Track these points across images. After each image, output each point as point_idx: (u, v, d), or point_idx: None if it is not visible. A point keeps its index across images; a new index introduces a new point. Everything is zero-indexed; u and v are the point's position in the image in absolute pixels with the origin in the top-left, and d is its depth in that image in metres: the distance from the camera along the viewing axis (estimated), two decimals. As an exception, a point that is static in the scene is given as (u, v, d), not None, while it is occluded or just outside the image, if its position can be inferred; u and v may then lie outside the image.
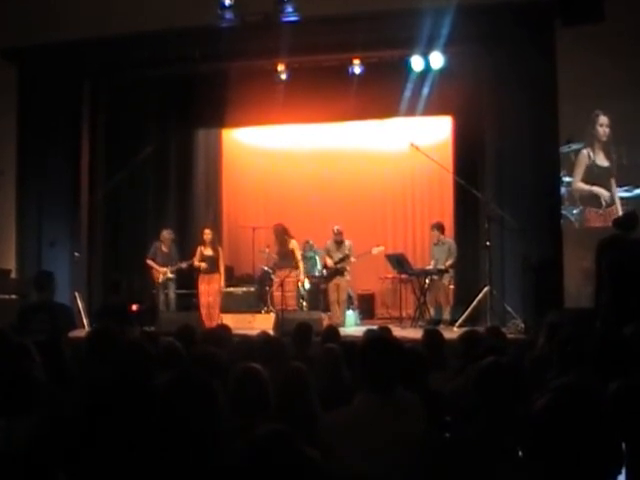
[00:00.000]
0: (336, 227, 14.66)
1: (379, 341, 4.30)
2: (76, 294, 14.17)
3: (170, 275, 14.28)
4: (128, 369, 4.72)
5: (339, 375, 5.84)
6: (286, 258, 14.41)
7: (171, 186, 17.00)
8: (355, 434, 4.06)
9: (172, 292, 14.47)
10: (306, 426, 4.43)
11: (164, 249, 14.43)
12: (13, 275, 14.39)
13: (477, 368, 4.03)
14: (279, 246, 14.52)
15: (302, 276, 14.55)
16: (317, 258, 15.52)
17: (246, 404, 4.32)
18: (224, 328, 8.35)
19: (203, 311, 13.86)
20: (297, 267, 14.37)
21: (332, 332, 8.28)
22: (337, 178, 18.01)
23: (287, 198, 18.15)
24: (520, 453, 3.60)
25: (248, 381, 4.36)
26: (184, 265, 14.25)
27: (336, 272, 14.47)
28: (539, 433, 2.79)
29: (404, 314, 14.53)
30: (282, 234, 14.47)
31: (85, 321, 13.70)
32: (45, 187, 14.71)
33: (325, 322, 12.65)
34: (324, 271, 14.88)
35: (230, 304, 14.80)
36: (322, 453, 4.00)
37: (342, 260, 14.44)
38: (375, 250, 14.62)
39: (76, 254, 14.63)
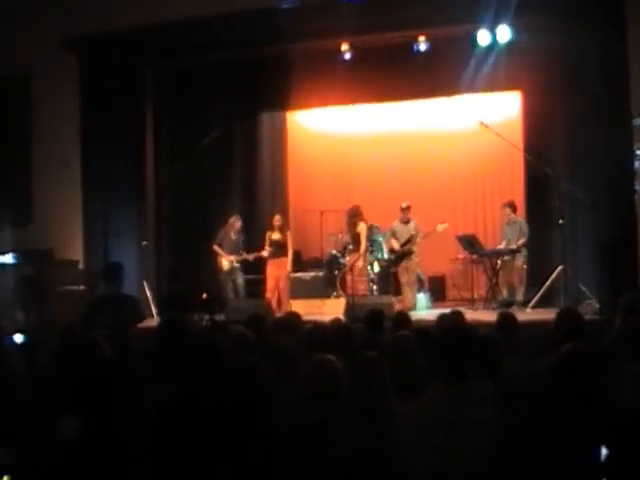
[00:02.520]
0: (404, 203, 14.49)
1: (454, 332, 4.24)
2: (144, 283, 14.37)
3: (236, 265, 14.26)
4: (197, 362, 4.73)
5: (412, 363, 5.79)
6: (354, 242, 14.37)
7: (236, 171, 17.02)
8: (431, 426, 4.03)
9: (240, 278, 14.44)
10: (381, 418, 4.44)
11: (232, 236, 14.34)
12: (80, 266, 14.64)
13: (555, 355, 3.97)
14: (348, 230, 14.48)
15: (361, 260, 14.45)
16: (382, 241, 15.39)
17: (320, 396, 4.30)
18: (294, 316, 8.39)
19: (272, 296, 13.88)
20: (358, 250, 14.28)
21: (403, 318, 8.23)
22: (404, 159, 17.85)
23: (354, 181, 18.07)
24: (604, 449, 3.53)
25: (322, 373, 4.36)
26: (251, 257, 14.23)
27: (404, 254, 14.35)
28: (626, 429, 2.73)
29: (476, 295, 14.39)
30: (353, 217, 14.38)
31: (154, 310, 13.86)
32: (110, 176, 14.85)
33: (396, 306, 12.57)
34: (391, 255, 14.75)
35: (299, 289, 14.83)
36: (397, 446, 4.01)
37: (408, 242, 14.30)
38: (440, 227, 14.39)
39: (143, 243, 14.80)
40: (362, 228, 14.37)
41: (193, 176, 15.96)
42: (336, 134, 18.44)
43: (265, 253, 14.06)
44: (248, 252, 14.33)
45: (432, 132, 17.86)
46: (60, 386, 4.77)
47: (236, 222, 14.43)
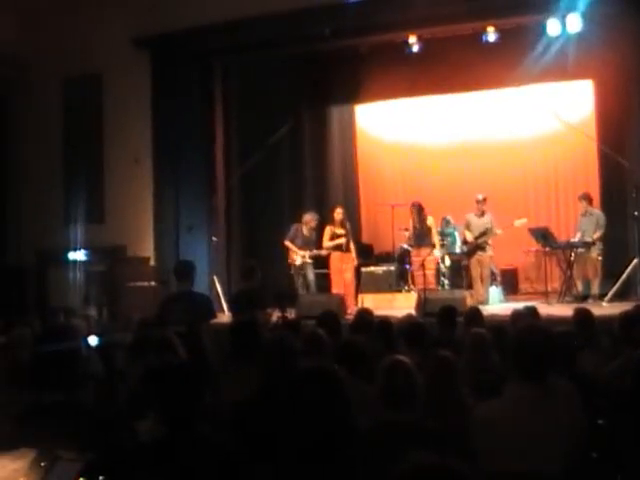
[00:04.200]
0: (479, 195, 14.29)
1: (530, 331, 4.19)
2: (214, 278, 14.51)
3: (308, 260, 14.19)
4: (271, 365, 4.74)
5: (488, 362, 5.74)
6: (424, 236, 14.26)
7: (305, 166, 17.03)
8: (509, 428, 3.97)
9: (311, 273, 14.37)
10: (456, 419, 4.41)
11: (305, 232, 14.23)
12: (152, 262, 14.85)
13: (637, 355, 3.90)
14: (417, 223, 14.38)
15: (438, 253, 14.36)
16: (456, 234, 15.27)
17: (394, 397, 4.27)
18: (366, 312, 8.35)
19: (340, 290, 13.82)
20: (434, 246, 14.20)
21: (475, 314, 8.16)
22: (476, 153, 17.69)
23: (425, 175, 17.97)
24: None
25: (396, 374, 4.31)
26: (324, 252, 14.16)
27: (477, 247, 14.17)
28: None
29: (549, 288, 14.14)
30: (421, 210, 14.33)
31: (225, 305, 13.98)
32: (181, 173, 15.04)
33: (468, 301, 12.46)
34: (464, 247, 14.64)
35: (370, 284, 14.79)
36: (474, 448, 3.97)
37: (483, 234, 14.10)
38: (517, 222, 14.20)
39: (214, 239, 14.92)
40: (432, 221, 14.28)
41: (262, 172, 16.05)
42: (406, 125, 18.34)
43: (332, 243, 14.01)
44: (320, 248, 14.28)
45: (504, 123, 17.68)
46: (136, 386, 4.86)
47: (312, 220, 14.29)
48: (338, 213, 14.15)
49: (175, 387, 3.93)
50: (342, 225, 14.08)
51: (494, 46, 14.30)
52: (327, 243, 14.05)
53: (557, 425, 3.97)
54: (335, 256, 14.07)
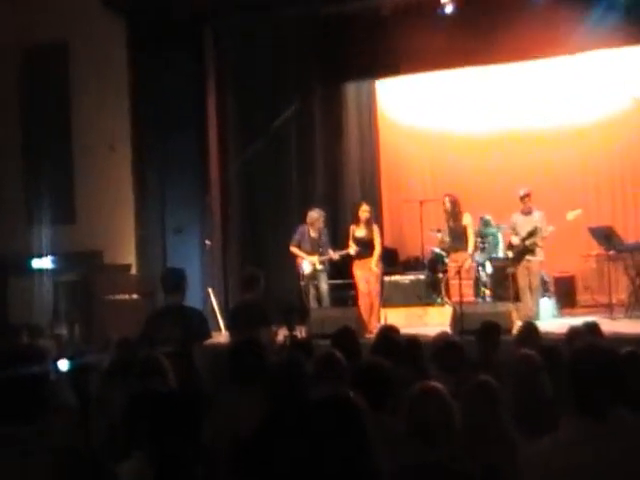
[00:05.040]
0: (522, 190, 14.18)
1: (591, 353, 4.11)
2: (209, 290, 14.56)
3: (319, 267, 14.13)
4: (276, 392, 4.77)
5: (538, 390, 5.74)
6: (460, 237, 14.24)
7: (317, 155, 16.98)
8: (566, 472, 3.85)
9: (324, 284, 14.34)
10: (499, 457, 4.44)
11: (312, 234, 14.18)
12: (133, 271, 14.90)
13: None
14: (452, 222, 14.36)
15: (479, 259, 14.35)
16: (499, 236, 15.23)
17: (424, 432, 4.29)
18: (391, 330, 8.36)
19: (361, 303, 13.81)
20: (466, 247, 14.20)
21: (530, 332, 8.17)
22: (522, 140, 17.65)
23: (459, 166, 17.91)
24: None
25: (427, 404, 4.34)
26: (336, 256, 14.09)
27: (524, 251, 14.07)
28: None
29: (614, 300, 14.09)
30: (455, 206, 14.32)
31: (221, 322, 14.05)
32: (167, 163, 15.12)
33: (514, 316, 12.45)
34: (508, 252, 14.59)
35: (395, 296, 14.86)
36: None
37: (531, 234, 14.00)
38: (571, 215, 14.05)
39: (207, 242, 14.95)
40: (468, 220, 14.23)
41: (265, 163, 16.11)
42: (436, 105, 18.32)
43: (352, 251, 13.84)
44: (333, 251, 14.22)
45: (555, 102, 17.59)
46: (116, 420, 4.87)
47: (317, 219, 14.21)
48: (364, 211, 13.98)
49: (164, 420, 3.96)
50: (367, 226, 13.93)
51: (545, 4, 14.23)
52: (351, 252, 13.96)
53: (626, 473, 3.85)
54: (356, 263, 14.01)
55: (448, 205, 14.38)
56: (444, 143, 18.32)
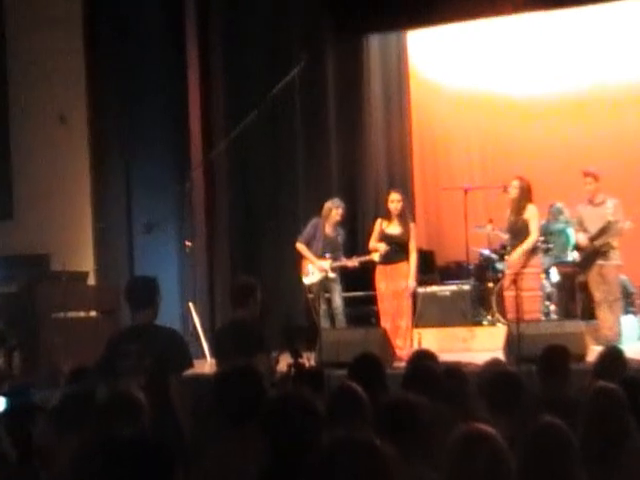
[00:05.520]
0: (588, 170, 13.98)
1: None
2: (190, 305, 14.49)
3: (332, 275, 14.06)
4: (277, 437, 4.81)
5: (620, 433, 5.70)
6: (520, 234, 13.87)
7: (331, 129, 16.91)
8: None
9: (338, 296, 14.27)
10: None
11: (328, 231, 14.13)
12: (91, 280, 14.89)
13: None
14: (513, 216, 14.06)
15: (544, 262, 14.29)
16: (570, 233, 15.03)
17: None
18: (426, 357, 8.34)
19: (386, 323, 13.64)
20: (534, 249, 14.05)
21: (612, 359, 8.04)
22: (596, 108, 17.61)
23: (515, 142, 17.86)
24: None
25: (474, 452, 4.32)
26: (354, 262, 14.04)
27: (594, 254, 13.91)
28: None
29: None
30: (524, 194, 13.94)
31: (205, 347, 14.02)
32: (134, 140, 15.20)
33: (587, 338, 12.41)
34: (575, 254, 14.51)
35: (432, 312, 14.87)
36: None
37: (602, 232, 13.78)
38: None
39: (187, 243, 14.89)
40: (532, 213, 13.82)
41: (263, 139, 16.15)
42: (484, 68, 18.29)
43: (380, 250, 13.61)
44: (350, 256, 14.17)
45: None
46: (65, 474, 4.85)
47: (335, 212, 14.14)
48: (394, 200, 13.79)
49: (131, 473, 3.90)
50: (402, 221, 13.76)
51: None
52: (372, 245, 13.80)
53: None
54: (380, 270, 13.81)
55: (516, 192, 13.85)
56: (498, 112, 18.31)
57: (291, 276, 14.86)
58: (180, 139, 15.38)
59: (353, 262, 14.11)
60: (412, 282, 13.72)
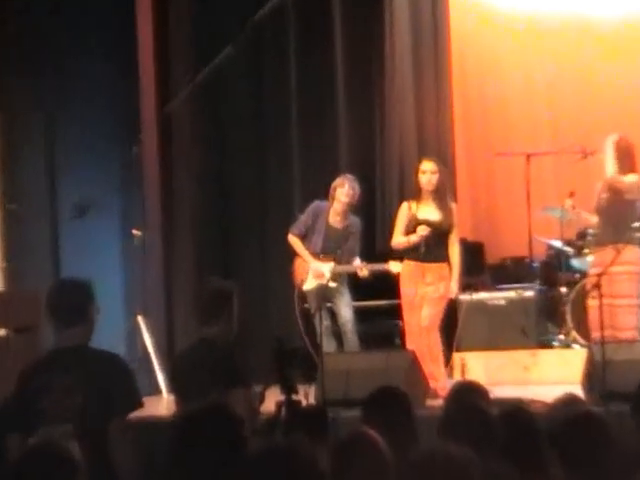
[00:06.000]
0: None
1: None
2: (138, 319, 14.36)
3: (332, 284, 13.78)
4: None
5: None
6: (618, 220, 13.55)
7: (338, 76, 16.59)
8: None
9: (345, 307, 14.13)
10: None
11: (333, 220, 13.93)
12: (-2, 286, 14.78)
13: None
14: (606, 192, 13.60)
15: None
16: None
17: None
18: (472, 390, 8.14)
19: (415, 344, 13.37)
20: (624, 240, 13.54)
21: None
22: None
23: (598, 88, 17.61)
24: None
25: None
26: (364, 271, 13.72)
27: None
28: None
29: None
30: (625, 158, 13.42)
31: (160, 379, 13.91)
32: (62, 89, 15.02)
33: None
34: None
35: (479, 329, 14.57)
36: None
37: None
38: None
39: (135, 232, 14.77)
40: (631, 183, 13.47)
41: (241, 88, 16.00)
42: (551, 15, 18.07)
43: (395, 267, 13.36)
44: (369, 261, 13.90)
45: None
46: None
47: (345, 191, 13.82)
48: (426, 172, 13.37)
49: None
50: (438, 201, 13.41)
51: None
52: (396, 240, 13.40)
53: None
54: (413, 269, 13.43)
55: (613, 155, 13.54)
56: (574, 44, 18.01)
57: (282, 280, 14.80)
58: (125, 86, 15.25)
59: (362, 271, 13.87)
60: (455, 287, 13.37)
